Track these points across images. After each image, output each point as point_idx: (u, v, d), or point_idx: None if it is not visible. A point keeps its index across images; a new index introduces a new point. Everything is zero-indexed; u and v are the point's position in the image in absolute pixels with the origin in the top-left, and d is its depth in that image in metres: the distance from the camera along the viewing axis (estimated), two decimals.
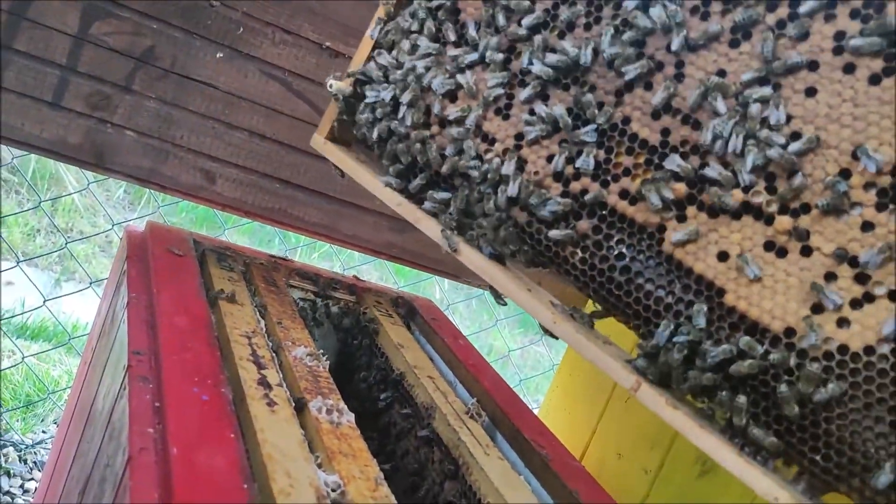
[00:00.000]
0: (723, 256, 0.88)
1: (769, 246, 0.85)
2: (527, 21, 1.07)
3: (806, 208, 0.83)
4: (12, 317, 2.73)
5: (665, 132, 0.94)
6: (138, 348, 1.05)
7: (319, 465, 0.92)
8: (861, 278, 0.78)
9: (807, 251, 0.82)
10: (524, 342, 4.33)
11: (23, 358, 2.37)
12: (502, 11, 1.09)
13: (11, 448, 2.26)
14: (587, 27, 1.02)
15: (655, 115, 0.94)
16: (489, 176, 1.06)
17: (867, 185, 0.79)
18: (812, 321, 0.80)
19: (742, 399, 0.82)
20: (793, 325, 0.82)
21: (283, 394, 1.04)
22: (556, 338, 0.99)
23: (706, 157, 0.90)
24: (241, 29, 1.63)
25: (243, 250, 1.54)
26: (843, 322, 0.79)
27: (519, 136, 1.06)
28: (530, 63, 1.05)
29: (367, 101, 1.23)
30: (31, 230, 3.62)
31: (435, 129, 1.15)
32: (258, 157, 1.72)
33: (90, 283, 2.41)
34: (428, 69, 1.16)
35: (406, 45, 1.20)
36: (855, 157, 0.80)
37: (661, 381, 0.89)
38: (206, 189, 1.71)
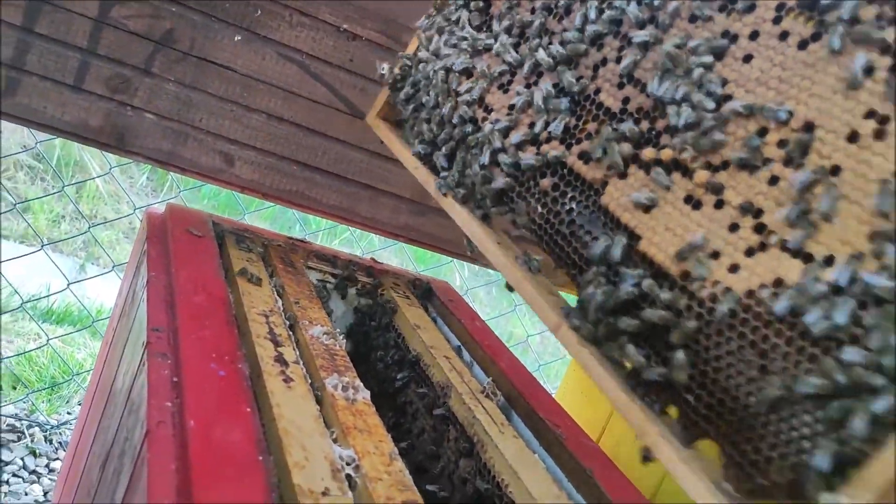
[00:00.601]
0: (648, 208, 0.91)
1: (688, 199, 0.88)
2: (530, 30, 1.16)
3: (725, 165, 0.86)
4: (38, 299, 2.77)
5: (625, 100, 0.99)
6: (157, 325, 1.06)
7: (335, 440, 0.93)
8: (759, 228, 0.81)
9: (720, 204, 0.85)
10: (543, 328, 4.32)
11: (48, 340, 2.41)
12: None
13: (37, 428, 2.30)
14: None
15: (620, 85, 1.00)
16: (479, 139, 1.15)
17: (780, 142, 0.81)
18: (701, 260, 0.83)
19: (631, 348, 0.86)
20: (689, 269, 0.84)
21: (300, 371, 1.05)
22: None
23: (655, 121, 0.94)
24: (259, 12, 1.63)
25: (262, 232, 1.55)
26: (734, 268, 0.81)
27: (511, 107, 1.14)
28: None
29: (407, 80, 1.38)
30: (56, 216, 3.68)
31: (452, 101, 1.23)
32: (276, 139, 1.73)
33: (113, 267, 2.45)
34: (453, 52, 1.27)
35: (444, 35, 1.32)
36: (773, 116, 0.82)
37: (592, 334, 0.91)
38: (225, 171, 1.72)
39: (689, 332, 0.81)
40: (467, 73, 1.23)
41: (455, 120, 1.21)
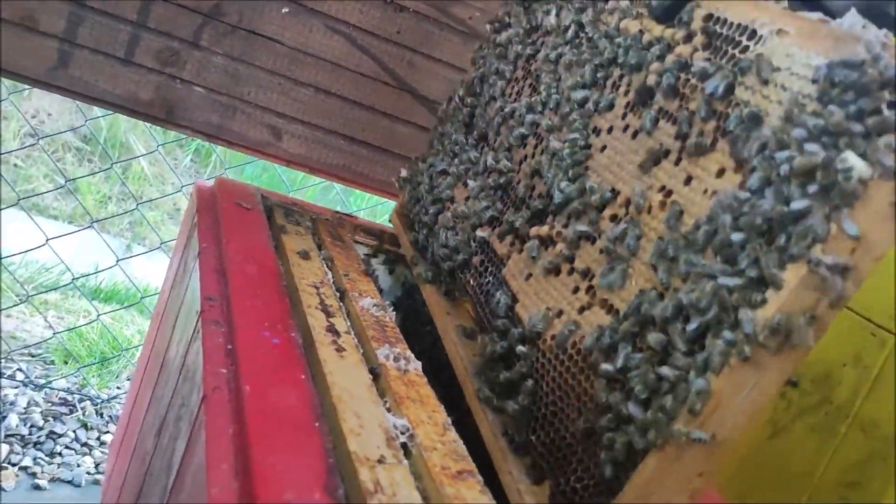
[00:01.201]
0: (528, 276, 1.09)
1: (550, 267, 1.04)
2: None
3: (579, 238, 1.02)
4: (87, 276, 2.82)
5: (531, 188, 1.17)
6: (210, 294, 1.06)
7: (388, 410, 0.92)
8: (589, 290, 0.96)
9: (570, 271, 1.01)
10: None
11: (97, 316, 2.45)
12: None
13: (88, 402, 2.34)
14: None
15: (531, 175, 1.17)
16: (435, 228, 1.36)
17: (612, 217, 0.97)
18: (548, 315, 1.00)
19: (486, 391, 1.03)
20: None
21: (352, 341, 1.04)
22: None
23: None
24: None
25: (310, 206, 1.54)
26: (574, 324, 0.96)
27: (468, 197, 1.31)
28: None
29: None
30: (103, 197, 3.73)
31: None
32: (323, 113, 1.72)
33: (160, 244, 2.47)
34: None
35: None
36: (612, 192, 0.98)
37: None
38: (273, 145, 1.72)
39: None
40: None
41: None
